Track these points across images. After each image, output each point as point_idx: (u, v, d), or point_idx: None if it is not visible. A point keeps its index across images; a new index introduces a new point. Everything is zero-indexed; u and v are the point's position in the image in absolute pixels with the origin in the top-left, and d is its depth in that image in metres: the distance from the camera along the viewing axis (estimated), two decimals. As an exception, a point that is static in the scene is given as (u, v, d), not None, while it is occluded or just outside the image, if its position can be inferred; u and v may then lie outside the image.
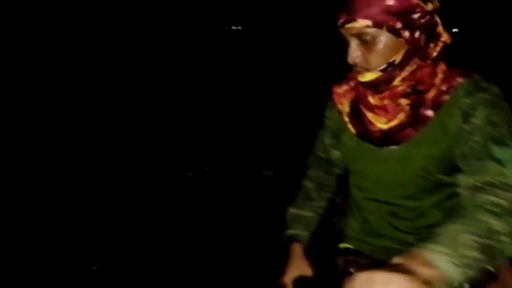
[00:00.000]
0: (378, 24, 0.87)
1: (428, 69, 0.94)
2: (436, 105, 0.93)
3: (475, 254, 0.69)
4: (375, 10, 0.86)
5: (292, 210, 1.24)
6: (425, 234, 0.96)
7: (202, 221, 2.77)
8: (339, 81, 1.14)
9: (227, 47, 7.97)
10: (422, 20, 0.89)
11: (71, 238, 2.56)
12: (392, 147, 0.99)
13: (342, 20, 0.90)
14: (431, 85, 0.94)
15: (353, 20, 0.87)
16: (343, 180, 1.26)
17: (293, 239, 1.19)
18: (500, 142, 0.83)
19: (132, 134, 4.47)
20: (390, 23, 0.87)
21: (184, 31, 7.76)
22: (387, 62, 0.91)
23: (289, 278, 1.14)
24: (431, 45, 0.93)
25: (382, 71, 0.92)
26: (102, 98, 5.58)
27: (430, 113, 0.93)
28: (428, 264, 0.65)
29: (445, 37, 0.96)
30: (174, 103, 5.52)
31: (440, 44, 0.94)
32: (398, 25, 0.87)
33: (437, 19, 0.94)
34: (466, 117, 0.89)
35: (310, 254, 1.17)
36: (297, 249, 1.17)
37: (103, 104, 5.40)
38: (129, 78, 6.40)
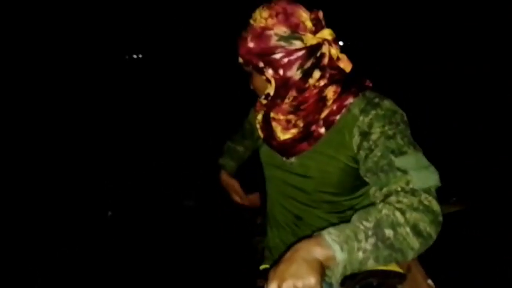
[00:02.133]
0: (245, 63, 1.02)
1: (314, 91, 1.01)
2: (327, 124, 1.00)
3: (370, 241, 0.75)
4: (243, 50, 1.00)
5: (229, 143, 1.52)
6: None
7: (123, 255, 2.67)
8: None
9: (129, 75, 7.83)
10: (286, 60, 0.96)
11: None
12: (291, 159, 1.08)
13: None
14: (321, 105, 1.01)
15: (239, 57, 1.02)
16: (264, 201, 1.35)
17: (222, 167, 1.47)
18: (399, 153, 0.89)
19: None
20: (254, 62, 1.00)
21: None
22: (263, 93, 1.04)
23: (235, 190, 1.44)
24: (311, 80, 0.98)
25: (264, 99, 1.05)
26: None
27: (322, 130, 1.01)
28: (323, 245, 0.73)
29: (343, 64, 1.03)
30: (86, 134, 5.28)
31: (328, 75, 1.00)
32: (261, 64, 0.99)
33: (328, 51, 0.99)
34: (364, 135, 0.95)
35: (233, 275, 1.24)
36: (225, 175, 1.46)
37: None
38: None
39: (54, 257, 2.62)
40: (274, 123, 1.09)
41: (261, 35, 0.97)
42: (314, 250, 0.73)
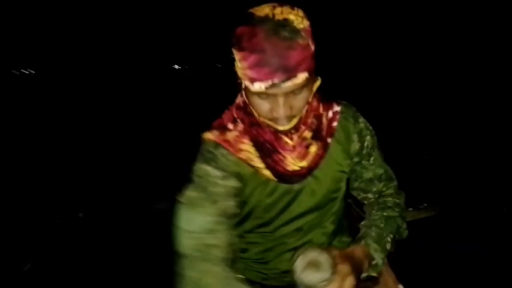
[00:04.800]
0: (311, 73, 0.84)
1: (316, 99, 1.00)
2: (331, 132, 1.01)
3: (390, 247, 1.00)
4: (310, 61, 0.82)
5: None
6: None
7: (93, 261, 2.61)
8: (207, 130, 1.01)
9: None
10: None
11: None
12: (306, 179, 1.00)
13: (278, 80, 0.79)
14: (320, 114, 1.01)
15: (293, 76, 0.79)
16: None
17: None
18: (383, 162, 1.12)
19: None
20: (313, 67, 0.85)
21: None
22: (307, 102, 0.88)
23: None
24: None
25: (303, 113, 0.90)
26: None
27: (329, 140, 1.01)
28: (369, 257, 0.94)
29: None
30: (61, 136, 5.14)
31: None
32: (313, 65, 0.85)
33: None
34: (361, 141, 1.06)
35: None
36: None
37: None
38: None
39: (23, 256, 2.54)
40: (288, 156, 0.96)
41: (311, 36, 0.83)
42: (363, 263, 0.92)
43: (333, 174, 1.04)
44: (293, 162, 0.96)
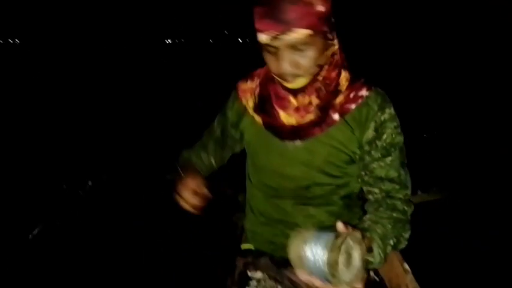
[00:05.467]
0: (317, 32, 0.86)
1: (335, 71, 0.97)
2: (342, 111, 0.98)
3: (390, 250, 0.91)
4: (312, 18, 0.84)
5: (185, 153, 1.32)
6: (313, 221, 1.08)
7: (107, 228, 2.66)
8: (244, 77, 1.16)
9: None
10: (333, 20, 0.91)
11: None
12: (297, 142, 1.02)
13: (276, 32, 0.84)
14: (338, 90, 0.98)
15: (291, 30, 0.83)
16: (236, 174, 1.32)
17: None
18: (403, 165, 1.02)
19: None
20: (324, 29, 0.87)
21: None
22: (318, 65, 0.91)
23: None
24: (335, 41, 0.95)
25: (311, 74, 0.92)
26: None
27: (336, 116, 0.98)
28: (370, 249, 0.86)
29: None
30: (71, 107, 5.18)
31: (335, 40, 0.95)
32: (326, 29, 0.88)
33: None
34: (377, 131, 0.98)
35: (213, 250, 1.23)
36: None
37: None
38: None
39: (32, 226, 2.59)
40: (282, 112, 1.01)
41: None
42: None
43: (329, 150, 1.01)
44: (284, 117, 1.01)
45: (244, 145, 1.17)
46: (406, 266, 1.31)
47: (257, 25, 0.86)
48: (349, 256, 0.69)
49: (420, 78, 5.00)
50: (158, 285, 2.19)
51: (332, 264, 0.67)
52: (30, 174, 3.31)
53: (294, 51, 0.87)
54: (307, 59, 0.88)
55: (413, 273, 1.28)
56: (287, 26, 0.82)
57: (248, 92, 1.12)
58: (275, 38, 0.84)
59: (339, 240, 0.68)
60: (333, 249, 0.67)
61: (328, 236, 0.70)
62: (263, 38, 0.86)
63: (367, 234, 0.87)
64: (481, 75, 4.74)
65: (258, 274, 1.17)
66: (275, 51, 0.88)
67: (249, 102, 1.10)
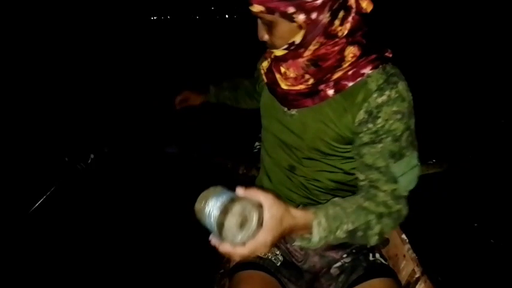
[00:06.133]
0: (270, 11, 0.87)
1: (336, 48, 0.92)
2: (338, 87, 0.94)
3: (342, 235, 0.87)
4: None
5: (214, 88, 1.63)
6: (317, 197, 1.09)
7: (106, 202, 2.69)
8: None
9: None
10: (318, 1, 0.86)
11: None
12: (292, 111, 1.03)
13: (250, 3, 0.90)
14: (338, 66, 0.93)
15: (250, 4, 0.89)
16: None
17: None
18: (398, 156, 0.92)
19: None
20: (282, 9, 0.86)
21: None
22: (287, 43, 0.92)
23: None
24: (337, 22, 0.89)
25: (285, 49, 0.94)
26: None
27: (330, 92, 0.94)
28: (307, 227, 0.82)
29: (364, 4, 0.91)
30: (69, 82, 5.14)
31: (351, 19, 0.91)
32: (291, 10, 0.86)
33: None
34: (371, 114, 0.92)
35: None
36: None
37: None
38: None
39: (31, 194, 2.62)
40: (278, 75, 1.02)
41: None
42: (297, 232, 0.82)
43: (319, 126, 1.00)
44: (279, 79, 1.03)
45: (260, 105, 1.21)
46: (404, 237, 1.33)
47: None
48: (245, 219, 0.71)
49: (420, 49, 4.94)
50: (159, 260, 2.23)
51: (218, 225, 0.70)
52: (31, 148, 3.32)
53: (263, 24, 0.94)
54: (272, 34, 0.93)
55: (411, 244, 1.30)
56: (252, 0, 0.89)
57: (269, 53, 1.10)
58: (251, 8, 0.90)
59: (231, 204, 0.70)
60: (223, 211, 0.69)
61: (227, 197, 0.72)
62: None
63: (314, 210, 0.84)
64: (478, 49, 4.68)
65: None
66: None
67: (265, 62, 1.10)
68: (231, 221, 0.69)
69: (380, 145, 0.92)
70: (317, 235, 0.82)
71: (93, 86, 5.24)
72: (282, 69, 1.01)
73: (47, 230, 2.38)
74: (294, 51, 0.94)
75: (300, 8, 0.86)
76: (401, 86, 0.92)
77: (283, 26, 0.89)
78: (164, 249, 2.28)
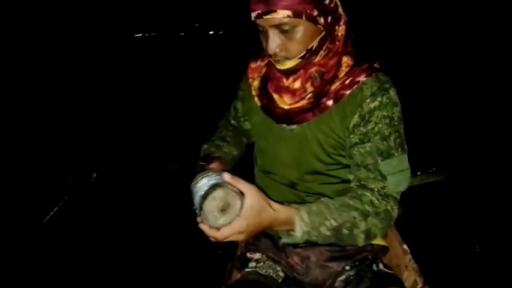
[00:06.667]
0: (298, 14, 0.88)
1: (335, 59, 0.98)
2: (337, 97, 0.98)
3: (327, 233, 0.87)
4: (295, 2, 0.87)
5: (205, 146, 1.29)
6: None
7: (108, 216, 2.69)
8: (256, 56, 1.19)
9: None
10: (332, 5, 0.93)
11: None
12: (292, 126, 1.05)
13: (259, 11, 0.89)
14: (335, 77, 0.98)
15: (273, 10, 0.87)
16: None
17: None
18: (386, 155, 0.95)
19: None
20: (309, 12, 0.88)
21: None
22: (306, 49, 0.94)
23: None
24: (337, 27, 0.97)
25: (301, 58, 0.95)
26: None
27: (330, 103, 0.98)
28: (289, 222, 0.84)
29: (345, 17, 0.99)
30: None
31: (343, 25, 0.98)
32: (315, 13, 0.89)
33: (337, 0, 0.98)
34: (363, 118, 0.96)
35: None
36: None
37: None
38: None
39: (36, 216, 2.62)
40: (276, 96, 1.04)
41: None
42: (278, 226, 0.84)
43: (320, 136, 1.02)
44: (277, 99, 1.03)
45: (251, 126, 1.19)
46: (405, 247, 1.33)
47: (250, 5, 0.91)
48: (227, 205, 0.73)
49: (418, 59, 4.97)
50: (161, 265, 2.22)
51: (200, 205, 0.72)
52: (34, 168, 3.33)
53: (280, 33, 0.91)
54: (292, 41, 0.92)
55: (412, 253, 1.30)
56: (270, 6, 0.86)
57: (256, 70, 1.14)
58: (260, 17, 0.89)
59: (216, 188, 0.72)
60: (204, 196, 0.72)
61: (215, 181, 0.74)
62: (252, 16, 0.91)
63: (296, 206, 0.87)
64: (478, 55, 4.70)
65: (257, 255, 1.19)
66: (265, 32, 0.93)
67: (255, 82, 1.11)
68: (212, 204, 0.71)
69: (369, 144, 0.96)
70: (299, 230, 0.85)
71: (90, 105, 5.26)
72: (286, 83, 1.02)
73: (49, 249, 2.38)
74: (308, 58, 0.96)
75: (322, 11, 0.91)
76: (393, 92, 0.97)
77: (307, 29, 0.91)
78: (166, 264, 2.27)
